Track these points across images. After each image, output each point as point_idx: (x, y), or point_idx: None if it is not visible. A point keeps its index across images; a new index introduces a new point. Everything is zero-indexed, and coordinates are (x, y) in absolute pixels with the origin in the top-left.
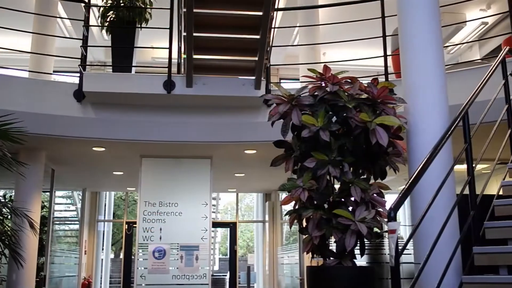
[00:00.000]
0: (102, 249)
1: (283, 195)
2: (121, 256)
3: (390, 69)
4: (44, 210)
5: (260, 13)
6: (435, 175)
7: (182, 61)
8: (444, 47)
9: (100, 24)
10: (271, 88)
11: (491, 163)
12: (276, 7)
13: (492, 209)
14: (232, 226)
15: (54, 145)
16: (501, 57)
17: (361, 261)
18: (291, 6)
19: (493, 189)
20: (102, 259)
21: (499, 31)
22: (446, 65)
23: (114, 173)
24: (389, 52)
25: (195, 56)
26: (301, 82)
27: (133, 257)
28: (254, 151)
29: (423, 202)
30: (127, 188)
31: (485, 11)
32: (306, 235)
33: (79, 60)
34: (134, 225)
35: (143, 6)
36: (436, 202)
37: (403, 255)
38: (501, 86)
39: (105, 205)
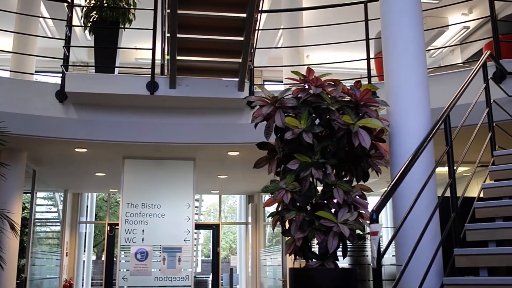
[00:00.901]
0: (84, 250)
1: (266, 197)
2: (103, 258)
3: (373, 72)
4: (25, 211)
5: (244, 15)
6: (417, 178)
7: (166, 62)
8: (427, 50)
9: (83, 24)
10: (255, 90)
11: (472, 165)
12: (260, 9)
13: (473, 211)
14: (215, 228)
15: (35, 145)
16: (482, 61)
17: (343, 262)
18: (275, 8)
19: (474, 191)
20: (83, 261)
21: (481, 35)
22: (428, 69)
23: (96, 174)
24: (372, 55)
25: (178, 57)
26: (284, 84)
27: (115, 259)
28: (237, 153)
29: (405, 204)
30: (109, 189)
31: (467, 16)
32: (289, 237)
33: (62, 60)
34: (116, 227)
35: (126, 6)
36: (418, 204)
37: (385, 257)
38: (482, 90)
39: (87, 207)
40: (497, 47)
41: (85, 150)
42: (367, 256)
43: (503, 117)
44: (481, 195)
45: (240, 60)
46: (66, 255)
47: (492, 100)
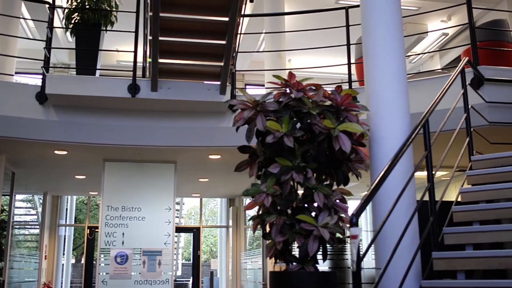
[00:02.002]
0: (63, 254)
1: (247, 201)
2: (83, 261)
3: (354, 77)
4: (4, 214)
5: (227, 19)
6: (396, 182)
7: (147, 65)
8: (406, 56)
9: (64, 26)
10: (236, 94)
11: (450, 170)
12: (242, 13)
13: (451, 215)
14: (195, 231)
15: (14, 147)
16: (461, 67)
17: (323, 266)
18: (257, 12)
19: (452, 195)
20: (62, 264)
21: (459, 42)
22: (408, 74)
23: (76, 177)
24: (353, 60)
25: (160, 60)
26: (266, 88)
27: (94, 262)
28: (219, 156)
29: (384, 208)
30: (89, 192)
31: (445, 22)
32: (269, 240)
33: (42, 61)
34: (96, 230)
35: (108, 8)
36: (397, 208)
37: (364, 260)
38: (460, 95)
39: (66, 209)
40: (475, 54)
41: (65, 152)
42: (347, 259)
43: (480, 123)
44: (459, 199)
45: (222, 64)
46: (45, 258)
47: (470, 106)
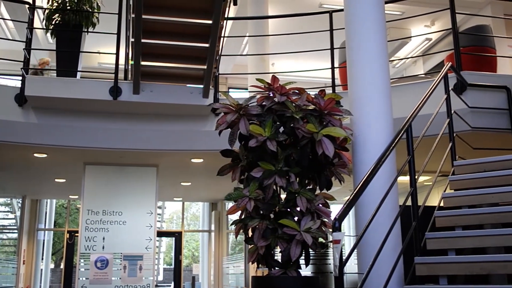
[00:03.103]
0: (42, 258)
1: (229, 205)
2: (62, 266)
3: (337, 81)
4: None
5: (210, 22)
6: (379, 186)
7: (130, 67)
8: (390, 61)
9: (45, 27)
10: (219, 97)
11: (432, 175)
12: (226, 16)
13: (433, 220)
14: (177, 236)
15: None
16: (444, 72)
17: (306, 271)
18: (241, 15)
19: (434, 200)
20: (41, 269)
21: (442, 47)
22: (391, 79)
23: (56, 180)
24: (336, 65)
25: (142, 63)
26: (249, 91)
27: (74, 267)
28: (201, 160)
29: (367, 213)
30: (69, 195)
31: (429, 27)
32: (252, 245)
33: (22, 63)
34: (76, 234)
35: (90, 10)
36: (380, 213)
37: (347, 265)
38: (443, 101)
39: (45, 213)
40: (458, 59)
41: (44, 155)
42: (330, 264)
43: (463, 128)
44: (442, 204)
45: (205, 67)
46: (23, 263)
47: (452, 111)
